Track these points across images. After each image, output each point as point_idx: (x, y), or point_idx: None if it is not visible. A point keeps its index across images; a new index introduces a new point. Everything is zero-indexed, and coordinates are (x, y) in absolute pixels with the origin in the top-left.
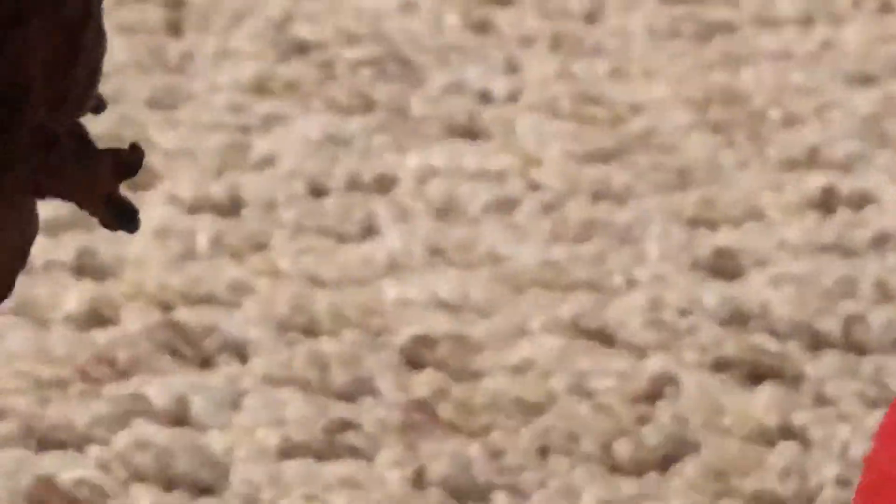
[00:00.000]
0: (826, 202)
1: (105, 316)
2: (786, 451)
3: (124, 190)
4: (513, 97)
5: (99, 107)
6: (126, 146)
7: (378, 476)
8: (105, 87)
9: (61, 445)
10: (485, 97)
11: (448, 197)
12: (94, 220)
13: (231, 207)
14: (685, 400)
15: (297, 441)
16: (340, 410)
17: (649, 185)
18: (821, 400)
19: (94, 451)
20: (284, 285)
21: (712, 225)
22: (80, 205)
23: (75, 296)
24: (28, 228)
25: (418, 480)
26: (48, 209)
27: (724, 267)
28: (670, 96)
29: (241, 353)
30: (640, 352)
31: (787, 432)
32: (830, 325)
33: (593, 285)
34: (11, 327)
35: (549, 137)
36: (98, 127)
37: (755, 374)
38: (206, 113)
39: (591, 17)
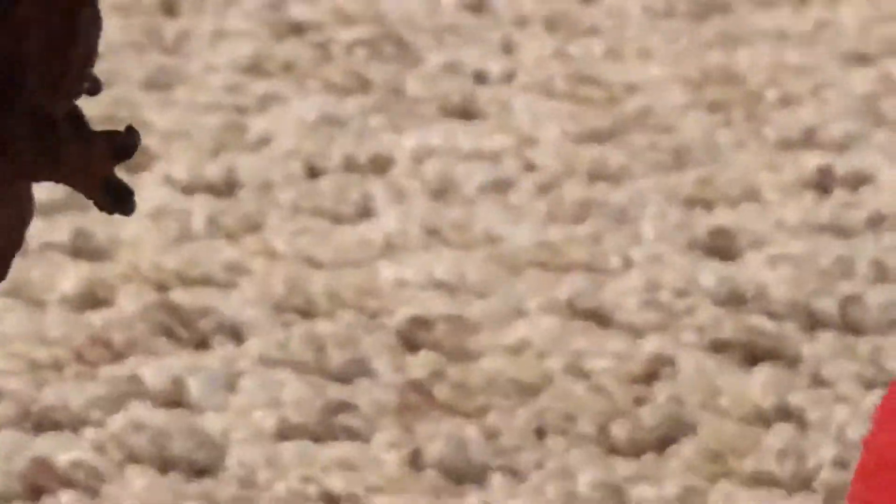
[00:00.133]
0: (822, 182)
1: (100, 297)
2: (783, 432)
3: (119, 171)
4: (509, 77)
5: (95, 88)
6: (121, 127)
7: (374, 457)
8: (100, 68)
9: (57, 427)
10: (481, 77)
11: (444, 177)
12: (90, 202)
13: (227, 188)
14: (682, 381)
15: (294, 422)
16: (337, 391)
17: (645, 166)
18: (818, 381)
19: (89, 432)
20: (280, 266)
21: (709, 205)
22: (76, 187)
23: (71, 277)
24: (24, 210)
25: (415, 461)
26: (43, 191)
27: (721, 247)
28: (666, 76)
29: (236, 334)
30: (637, 332)
31: (784, 413)
32: (827, 306)
33: (590, 266)
34: (7, 309)
35: (545, 118)
36: (94, 108)
37: (752, 355)
38: (202, 94)
39: None
